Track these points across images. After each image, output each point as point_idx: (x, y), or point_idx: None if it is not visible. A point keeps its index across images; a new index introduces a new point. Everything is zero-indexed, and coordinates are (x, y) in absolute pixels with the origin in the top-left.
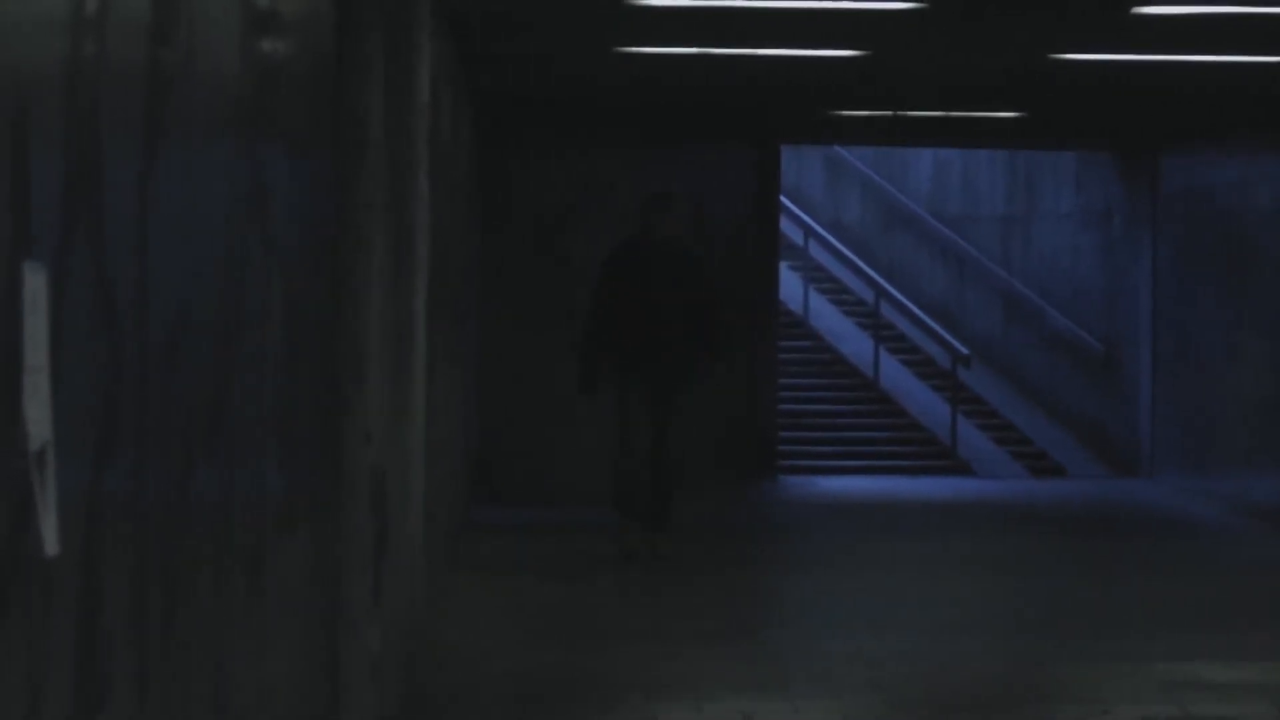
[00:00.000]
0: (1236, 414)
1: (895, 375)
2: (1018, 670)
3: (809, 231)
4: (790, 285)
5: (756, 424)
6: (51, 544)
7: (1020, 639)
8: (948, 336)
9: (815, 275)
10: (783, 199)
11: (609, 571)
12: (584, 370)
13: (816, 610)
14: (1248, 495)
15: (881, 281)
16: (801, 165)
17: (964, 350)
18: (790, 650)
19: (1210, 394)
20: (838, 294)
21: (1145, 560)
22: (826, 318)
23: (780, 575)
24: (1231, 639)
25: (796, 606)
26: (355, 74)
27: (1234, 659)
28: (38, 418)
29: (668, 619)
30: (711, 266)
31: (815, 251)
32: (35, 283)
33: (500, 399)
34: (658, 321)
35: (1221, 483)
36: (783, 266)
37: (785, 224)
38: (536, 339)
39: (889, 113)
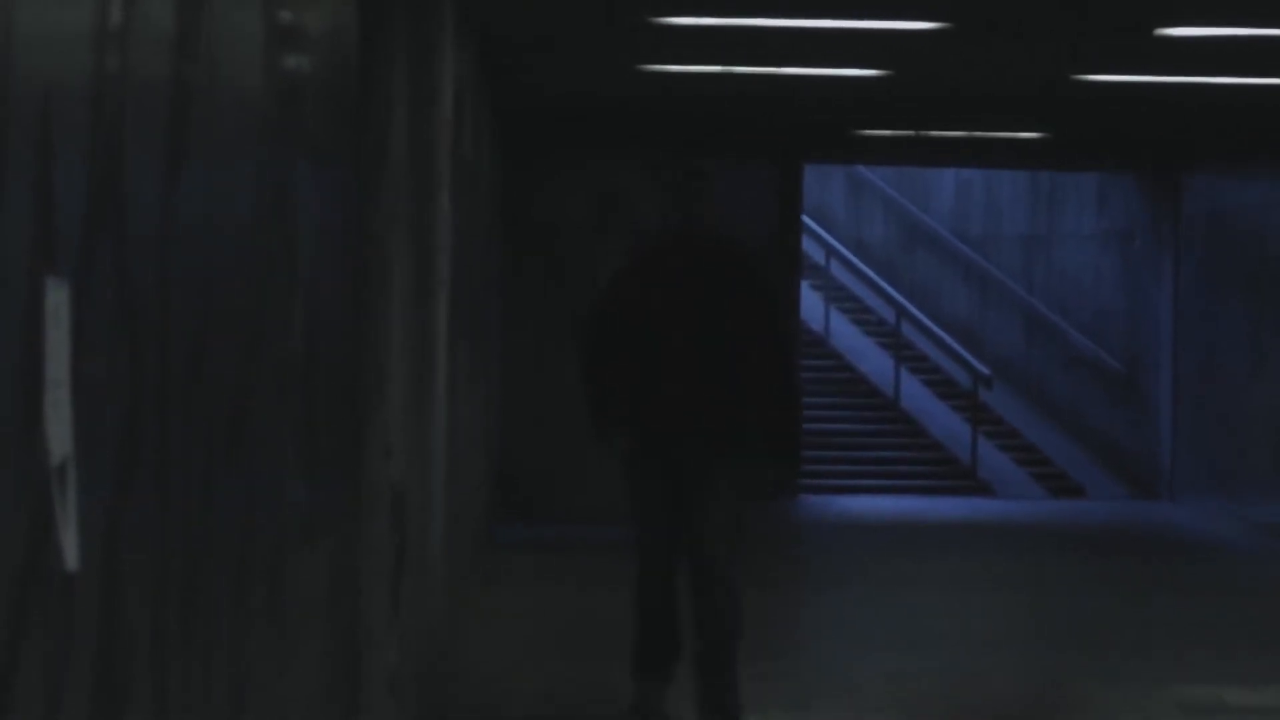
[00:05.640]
0: (1260, 436)
1: (916, 395)
2: (1039, 690)
3: (830, 250)
4: (811, 304)
5: None
6: (72, 558)
7: (1042, 659)
8: (968, 357)
9: (836, 294)
10: (805, 218)
11: (629, 588)
12: (595, 416)
13: (838, 629)
14: (1270, 517)
15: (903, 301)
16: (824, 184)
17: (985, 370)
18: (812, 668)
19: (1233, 416)
20: (859, 313)
21: (1168, 581)
22: (847, 337)
23: (801, 594)
24: (1255, 662)
25: (817, 625)
26: (378, 89)
27: (1257, 682)
28: (59, 432)
29: (687, 636)
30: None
31: (837, 271)
32: (57, 297)
33: (523, 416)
34: (688, 369)
35: (1244, 504)
36: (804, 285)
37: (807, 243)
38: (559, 355)
39: (912, 132)
